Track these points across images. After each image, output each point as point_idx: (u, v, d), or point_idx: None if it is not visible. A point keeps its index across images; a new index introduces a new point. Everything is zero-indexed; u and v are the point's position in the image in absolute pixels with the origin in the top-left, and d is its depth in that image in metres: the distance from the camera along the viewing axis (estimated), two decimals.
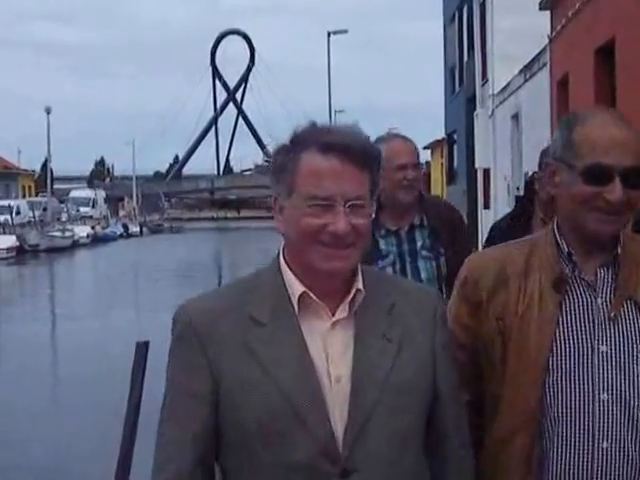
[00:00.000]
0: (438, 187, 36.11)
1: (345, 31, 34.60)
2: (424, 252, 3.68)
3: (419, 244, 3.69)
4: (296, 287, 1.76)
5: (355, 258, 1.74)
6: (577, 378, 1.86)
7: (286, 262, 1.80)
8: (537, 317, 1.88)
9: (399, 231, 3.69)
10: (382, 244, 3.64)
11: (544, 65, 13.68)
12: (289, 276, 1.78)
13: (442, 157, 35.53)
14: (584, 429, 1.84)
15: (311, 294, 1.74)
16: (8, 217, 49.17)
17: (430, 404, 1.79)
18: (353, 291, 1.75)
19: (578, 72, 11.14)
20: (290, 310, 1.75)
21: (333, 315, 1.74)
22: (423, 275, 3.64)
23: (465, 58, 26.93)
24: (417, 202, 3.72)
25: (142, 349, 6.31)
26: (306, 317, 1.74)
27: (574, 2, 11.13)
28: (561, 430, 1.86)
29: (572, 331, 1.87)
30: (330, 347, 1.72)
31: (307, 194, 1.72)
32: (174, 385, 1.80)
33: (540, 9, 13.34)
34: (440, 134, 35.47)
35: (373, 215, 1.81)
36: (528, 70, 15.26)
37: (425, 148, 40.54)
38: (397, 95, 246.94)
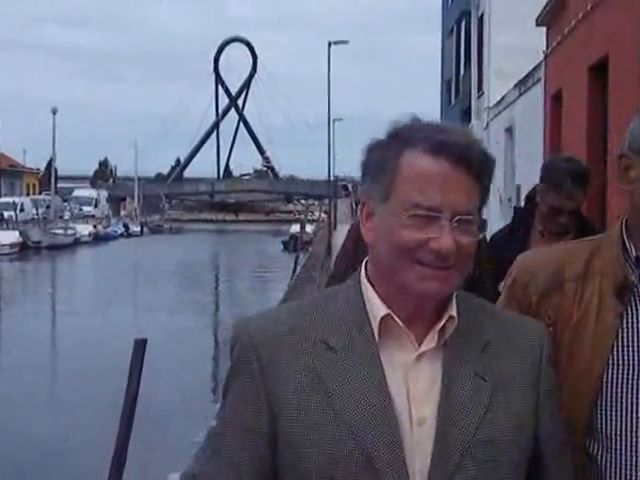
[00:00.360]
0: None
1: (346, 42, 34.66)
2: None
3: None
4: (379, 309, 1.43)
5: (455, 282, 1.42)
6: (632, 403, 1.57)
7: (368, 280, 1.47)
8: (594, 327, 1.62)
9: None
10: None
11: (538, 80, 13.71)
12: (371, 295, 1.45)
13: None
14: (628, 463, 1.58)
15: (396, 318, 1.42)
16: (12, 214, 49.23)
17: (527, 464, 1.45)
18: (445, 318, 1.43)
19: (572, 88, 11.16)
20: (369, 335, 1.42)
21: (419, 345, 1.42)
22: None
23: (462, 71, 26.97)
24: None
25: (140, 346, 6.31)
26: (387, 345, 1.42)
27: (570, 19, 11.15)
28: (606, 460, 1.59)
29: (632, 347, 1.59)
30: (413, 382, 1.41)
31: (409, 201, 1.38)
32: (226, 415, 1.47)
33: (537, 25, 13.36)
34: None
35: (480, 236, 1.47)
36: (523, 85, 15.29)
37: None
38: (395, 105, 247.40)
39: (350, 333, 1.43)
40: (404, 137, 1.42)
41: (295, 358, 1.42)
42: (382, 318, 1.42)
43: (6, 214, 49.53)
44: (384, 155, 1.43)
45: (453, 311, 1.44)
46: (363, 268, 1.49)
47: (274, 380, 1.41)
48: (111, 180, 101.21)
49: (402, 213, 1.39)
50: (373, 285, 1.46)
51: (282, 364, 1.42)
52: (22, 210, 52.96)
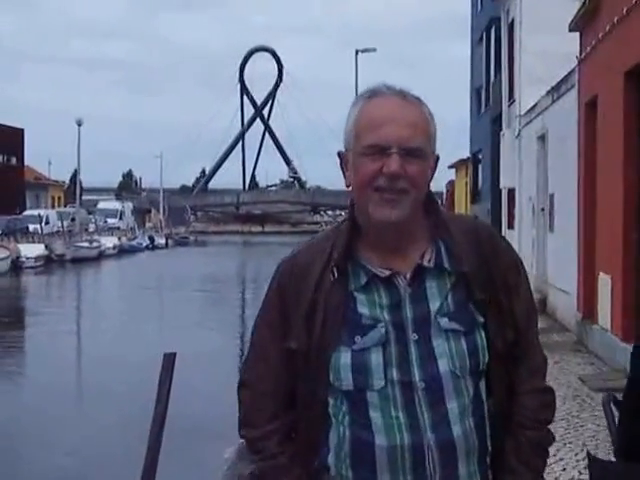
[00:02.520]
0: (462, 206, 35.96)
1: (374, 49, 34.65)
2: (444, 321, 1.85)
3: (435, 305, 1.85)
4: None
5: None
6: None
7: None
8: None
9: (394, 278, 1.86)
10: (362, 304, 1.87)
11: (572, 86, 13.58)
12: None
13: (467, 176, 35.41)
14: None
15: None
16: (37, 226, 49.60)
17: None
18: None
19: (607, 94, 11.04)
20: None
21: None
22: (444, 367, 1.83)
23: (492, 78, 26.86)
24: (428, 223, 1.97)
25: (169, 360, 6.32)
26: None
27: (604, 24, 11.05)
28: None
29: None
30: None
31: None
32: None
33: (570, 30, 13.25)
34: (465, 153, 35.36)
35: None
36: (556, 91, 15.17)
37: (450, 167, 40.43)
38: None
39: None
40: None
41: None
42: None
43: (31, 227, 49.96)
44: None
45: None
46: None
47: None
48: (143, 193, 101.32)
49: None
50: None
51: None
52: (47, 223, 53.35)
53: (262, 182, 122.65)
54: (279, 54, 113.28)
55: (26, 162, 71.99)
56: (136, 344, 18.53)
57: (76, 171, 60.85)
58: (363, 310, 1.83)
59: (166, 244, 66.51)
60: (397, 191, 1.77)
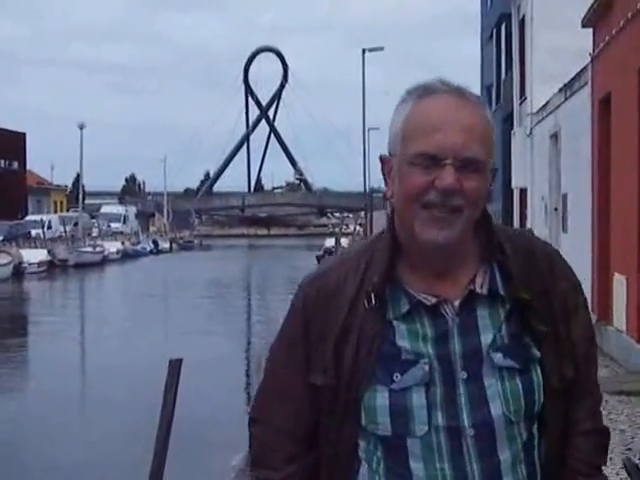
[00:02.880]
0: None
1: (381, 48, 34.63)
2: (498, 357, 1.61)
3: (487, 338, 1.62)
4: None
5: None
6: None
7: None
8: None
9: (441, 306, 1.63)
10: (402, 335, 1.63)
11: (585, 84, 13.54)
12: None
13: None
14: None
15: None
16: (40, 231, 49.74)
17: None
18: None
19: (621, 91, 11.00)
20: None
21: None
22: (497, 410, 1.61)
23: (503, 76, 26.82)
24: (480, 242, 1.69)
25: (175, 366, 6.32)
26: None
27: (618, 20, 11.02)
28: None
29: None
30: None
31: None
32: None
33: (583, 26, 13.22)
34: None
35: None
36: (568, 88, 15.12)
37: None
38: None
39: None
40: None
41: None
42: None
43: (34, 232, 50.11)
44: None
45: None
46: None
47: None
48: (148, 196, 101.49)
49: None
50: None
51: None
52: (50, 228, 53.50)
53: (268, 184, 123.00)
54: (284, 54, 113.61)
55: (28, 167, 72.19)
56: (140, 351, 18.54)
57: (79, 175, 61.04)
58: (403, 343, 1.59)
59: (170, 248, 66.62)
60: (450, 209, 1.54)
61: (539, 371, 1.62)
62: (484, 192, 1.58)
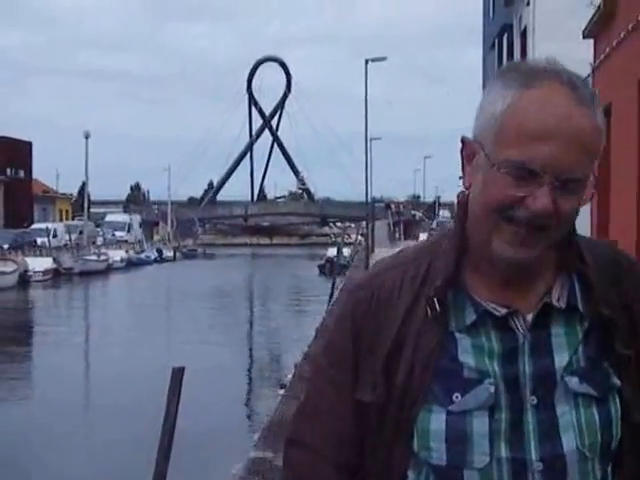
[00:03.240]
0: None
1: (384, 58, 34.66)
2: (574, 382, 1.41)
3: (562, 359, 1.42)
4: None
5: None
6: None
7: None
8: None
9: (511, 319, 1.42)
10: (465, 350, 1.44)
11: None
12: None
13: None
14: None
15: None
16: (45, 240, 49.78)
17: None
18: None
19: (622, 102, 10.98)
20: None
21: None
22: (570, 443, 1.39)
23: None
24: (558, 250, 1.50)
25: (177, 374, 6.28)
26: None
27: (619, 31, 11.00)
28: None
29: None
30: None
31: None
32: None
33: (584, 37, 13.22)
34: None
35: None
36: None
37: (461, 178, 40.45)
38: (435, 122, 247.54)
39: None
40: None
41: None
42: None
43: (39, 240, 50.14)
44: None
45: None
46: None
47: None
48: (154, 206, 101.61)
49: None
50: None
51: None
52: (55, 236, 53.49)
53: (270, 194, 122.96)
54: (288, 64, 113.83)
55: (34, 175, 72.28)
56: (144, 359, 18.50)
57: (84, 184, 61.10)
58: (466, 358, 1.37)
59: (174, 257, 66.60)
60: (536, 228, 1.31)
61: (618, 402, 1.39)
62: (578, 209, 1.34)
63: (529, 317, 1.37)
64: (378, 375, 1.41)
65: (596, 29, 12.58)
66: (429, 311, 1.38)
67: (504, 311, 1.36)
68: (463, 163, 1.40)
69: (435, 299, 1.38)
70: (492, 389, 1.35)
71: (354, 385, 1.43)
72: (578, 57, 14.04)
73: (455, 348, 1.37)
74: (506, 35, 24.96)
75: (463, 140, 1.38)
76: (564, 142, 1.27)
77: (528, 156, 1.27)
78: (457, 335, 1.38)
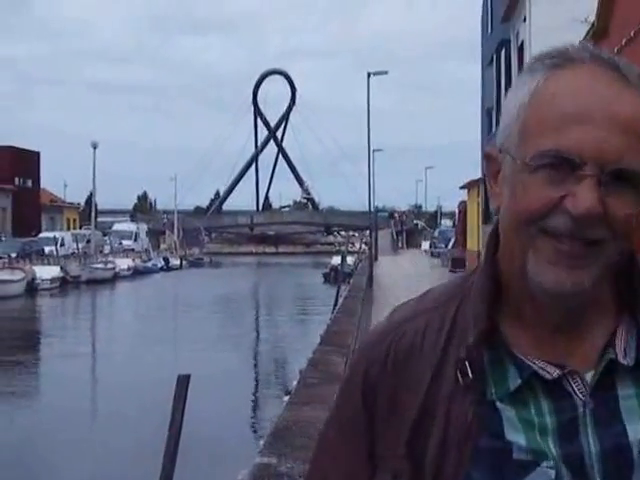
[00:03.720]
0: (474, 226, 35.97)
1: (385, 72, 34.81)
2: None
3: (636, 431, 1.03)
4: None
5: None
6: None
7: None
8: None
9: (566, 381, 1.05)
10: (511, 424, 1.05)
11: None
12: None
13: (479, 197, 35.43)
14: None
15: None
16: (53, 248, 49.93)
17: None
18: None
19: None
20: None
21: None
22: None
23: (502, 99, 26.97)
24: (622, 287, 1.09)
25: (183, 382, 6.40)
26: None
27: (612, 46, 11.14)
28: None
29: None
30: None
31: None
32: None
33: None
34: (477, 174, 35.42)
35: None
36: None
37: (462, 188, 40.52)
38: (435, 134, 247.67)
39: None
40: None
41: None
42: None
43: (47, 249, 50.30)
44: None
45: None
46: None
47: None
48: (164, 216, 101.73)
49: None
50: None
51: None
52: (63, 245, 53.65)
53: (275, 203, 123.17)
54: (292, 77, 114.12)
55: (42, 185, 72.54)
56: (150, 367, 18.58)
57: (91, 193, 61.24)
58: (515, 436, 1.02)
59: (180, 265, 66.69)
60: (583, 241, 0.98)
61: None
62: (638, 217, 1.00)
63: (588, 377, 1.03)
64: (400, 459, 1.05)
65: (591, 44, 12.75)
66: (460, 377, 1.04)
67: (556, 372, 1.02)
68: (489, 182, 1.08)
69: (467, 362, 1.04)
70: (552, 474, 1.00)
71: (368, 469, 1.09)
72: None
73: (499, 423, 1.03)
74: (504, 50, 25.11)
75: (487, 155, 1.08)
76: (606, 124, 0.97)
77: (562, 143, 0.97)
78: (499, 405, 1.03)
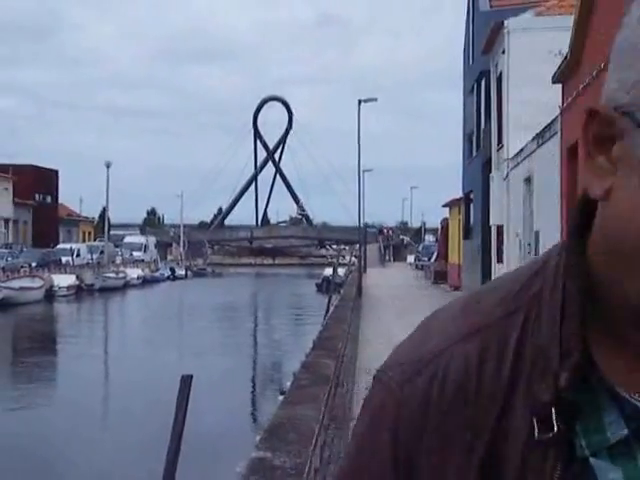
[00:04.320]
0: (455, 242, 35.94)
1: (375, 99, 34.89)
2: None
3: None
4: None
5: None
6: None
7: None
8: None
9: None
10: (601, 464, 0.62)
11: (555, 133, 13.64)
12: None
13: (459, 214, 35.44)
14: None
15: None
16: (69, 259, 49.90)
17: None
18: None
19: None
20: None
21: None
22: None
23: (482, 125, 26.98)
24: None
25: (186, 382, 6.28)
26: None
27: (584, 77, 11.12)
28: None
29: None
30: None
31: None
32: None
33: (553, 83, 13.34)
34: (458, 193, 35.42)
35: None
36: (540, 137, 15.22)
37: (444, 206, 40.53)
38: (420, 157, 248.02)
39: None
40: None
41: None
42: None
43: (64, 259, 50.30)
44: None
45: None
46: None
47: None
48: (160, 227, 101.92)
49: None
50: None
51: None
52: (78, 255, 53.65)
53: (273, 219, 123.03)
54: (289, 103, 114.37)
55: (60, 200, 72.40)
56: (157, 368, 18.46)
57: (105, 208, 61.16)
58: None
59: (186, 275, 66.57)
60: None
61: None
62: None
63: None
64: None
65: (564, 75, 12.69)
66: (537, 431, 0.64)
67: None
68: (590, 151, 0.65)
69: (552, 409, 0.64)
70: None
71: None
72: (548, 100, 14.18)
73: None
74: (484, 80, 25.14)
75: (592, 112, 0.65)
76: None
77: None
78: (593, 463, 0.64)
